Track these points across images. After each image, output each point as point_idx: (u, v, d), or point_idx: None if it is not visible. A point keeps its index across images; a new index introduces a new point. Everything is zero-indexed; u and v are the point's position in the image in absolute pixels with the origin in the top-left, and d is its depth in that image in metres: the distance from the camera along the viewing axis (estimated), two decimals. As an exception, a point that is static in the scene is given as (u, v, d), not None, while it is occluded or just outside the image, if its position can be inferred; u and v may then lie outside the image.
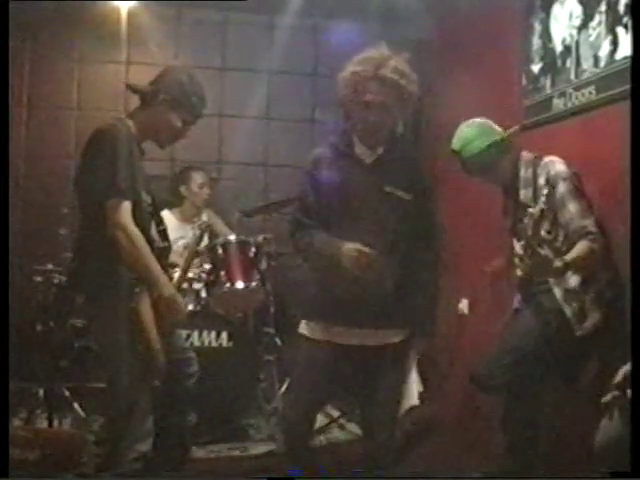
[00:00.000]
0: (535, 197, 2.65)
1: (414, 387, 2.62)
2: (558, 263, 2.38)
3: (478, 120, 2.82)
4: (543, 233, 2.44)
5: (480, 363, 2.81)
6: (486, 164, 2.75)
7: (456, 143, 2.80)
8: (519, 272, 2.69)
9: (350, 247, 2.36)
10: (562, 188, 2.57)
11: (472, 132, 2.78)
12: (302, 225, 2.53)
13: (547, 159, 2.68)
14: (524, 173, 2.72)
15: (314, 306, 2.54)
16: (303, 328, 2.57)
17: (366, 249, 2.34)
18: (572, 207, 2.55)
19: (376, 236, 2.43)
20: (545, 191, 2.51)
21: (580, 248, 2.47)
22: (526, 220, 2.45)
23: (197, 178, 4.36)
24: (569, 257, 2.43)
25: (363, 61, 2.44)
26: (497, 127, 2.81)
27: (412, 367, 2.59)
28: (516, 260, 2.71)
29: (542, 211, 2.33)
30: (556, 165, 2.63)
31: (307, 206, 2.53)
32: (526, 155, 2.77)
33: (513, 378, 2.64)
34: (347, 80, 2.45)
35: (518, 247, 2.73)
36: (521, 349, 2.65)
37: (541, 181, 2.63)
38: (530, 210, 2.42)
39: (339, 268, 2.37)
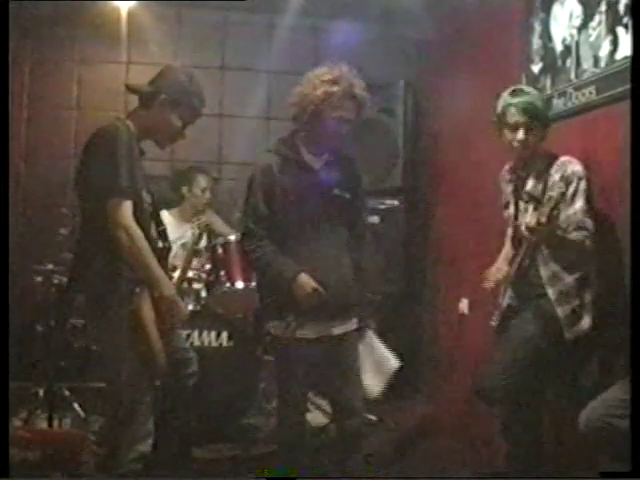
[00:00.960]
0: (544, 191, 2.65)
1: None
2: (556, 232, 2.49)
3: None
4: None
5: (482, 377, 2.83)
6: (537, 108, 2.74)
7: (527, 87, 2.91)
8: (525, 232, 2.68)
9: (305, 282, 2.54)
10: (576, 186, 2.61)
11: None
12: (253, 235, 2.64)
13: (564, 158, 2.70)
14: (539, 166, 2.73)
15: (281, 307, 2.63)
16: (273, 328, 2.66)
17: (320, 288, 2.54)
18: (579, 204, 2.59)
19: (331, 238, 2.67)
20: (559, 187, 2.55)
21: (575, 236, 2.54)
22: (522, 205, 2.51)
23: (201, 181, 4.29)
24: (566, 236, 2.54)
25: (335, 80, 2.62)
26: None
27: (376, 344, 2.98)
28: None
29: (563, 194, 2.46)
30: (574, 165, 2.66)
31: (259, 215, 2.64)
32: (547, 151, 2.77)
33: (514, 388, 2.65)
34: (319, 98, 2.61)
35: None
36: (519, 360, 2.66)
37: (556, 178, 2.64)
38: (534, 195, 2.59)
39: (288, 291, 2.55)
